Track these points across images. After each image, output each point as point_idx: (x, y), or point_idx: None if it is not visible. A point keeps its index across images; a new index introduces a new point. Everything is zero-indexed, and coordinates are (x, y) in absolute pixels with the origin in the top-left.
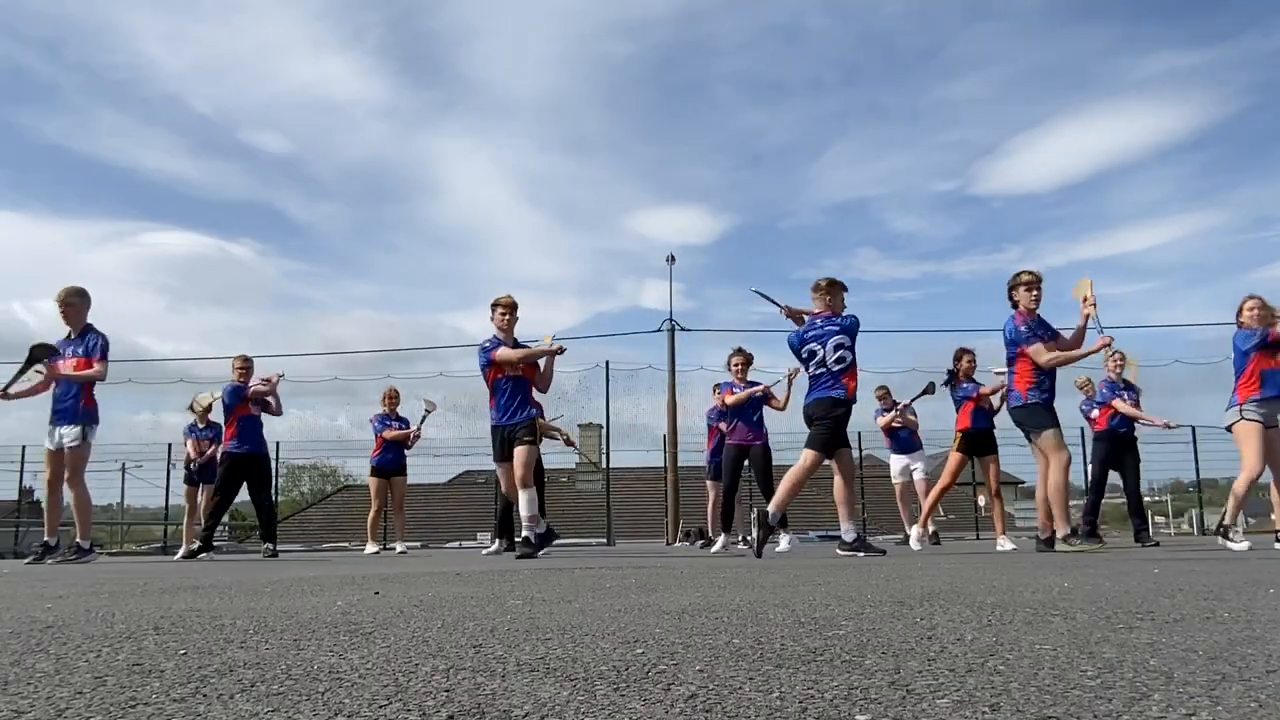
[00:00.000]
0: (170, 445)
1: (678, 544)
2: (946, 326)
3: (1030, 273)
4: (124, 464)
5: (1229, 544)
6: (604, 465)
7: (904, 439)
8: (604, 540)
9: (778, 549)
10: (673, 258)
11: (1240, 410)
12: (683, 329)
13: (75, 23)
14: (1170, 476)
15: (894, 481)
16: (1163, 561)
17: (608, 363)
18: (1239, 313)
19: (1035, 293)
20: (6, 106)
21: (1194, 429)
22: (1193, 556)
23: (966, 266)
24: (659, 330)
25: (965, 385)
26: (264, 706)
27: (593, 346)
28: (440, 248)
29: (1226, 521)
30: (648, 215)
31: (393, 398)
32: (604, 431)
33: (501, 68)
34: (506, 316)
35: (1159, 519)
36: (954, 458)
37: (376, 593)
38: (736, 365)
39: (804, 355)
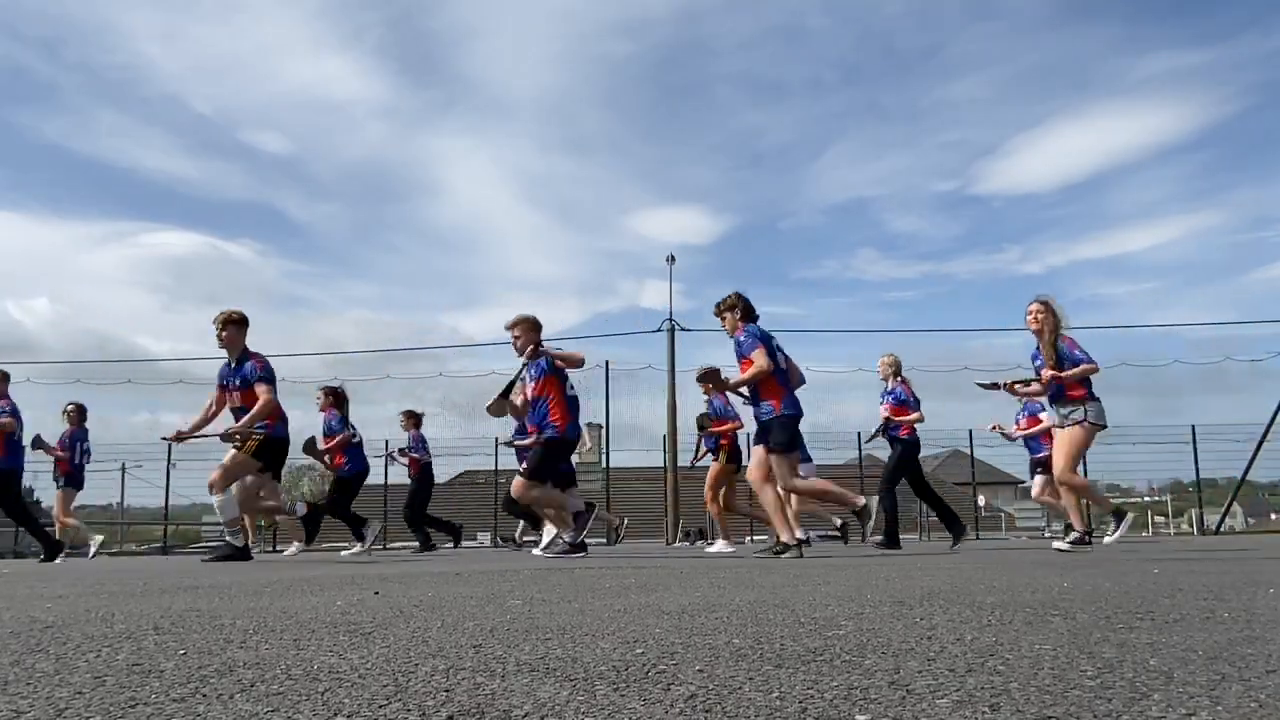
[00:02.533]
0: (170, 445)
1: (678, 544)
2: (946, 327)
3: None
4: (124, 464)
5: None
6: (604, 465)
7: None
8: (604, 540)
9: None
10: (673, 258)
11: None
12: (683, 329)
13: (74, 22)
14: (1170, 476)
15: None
16: (1163, 561)
17: (607, 363)
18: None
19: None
20: (6, 106)
21: (1194, 428)
22: (1193, 556)
23: (967, 267)
24: (659, 330)
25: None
26: (264, 706)
27: (593, 347)
28: (440, 248)
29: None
30: (648, 215)
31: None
32: (604, 431)
33: (501, 67)
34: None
35: (1159, 519)
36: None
37: (376, 593)
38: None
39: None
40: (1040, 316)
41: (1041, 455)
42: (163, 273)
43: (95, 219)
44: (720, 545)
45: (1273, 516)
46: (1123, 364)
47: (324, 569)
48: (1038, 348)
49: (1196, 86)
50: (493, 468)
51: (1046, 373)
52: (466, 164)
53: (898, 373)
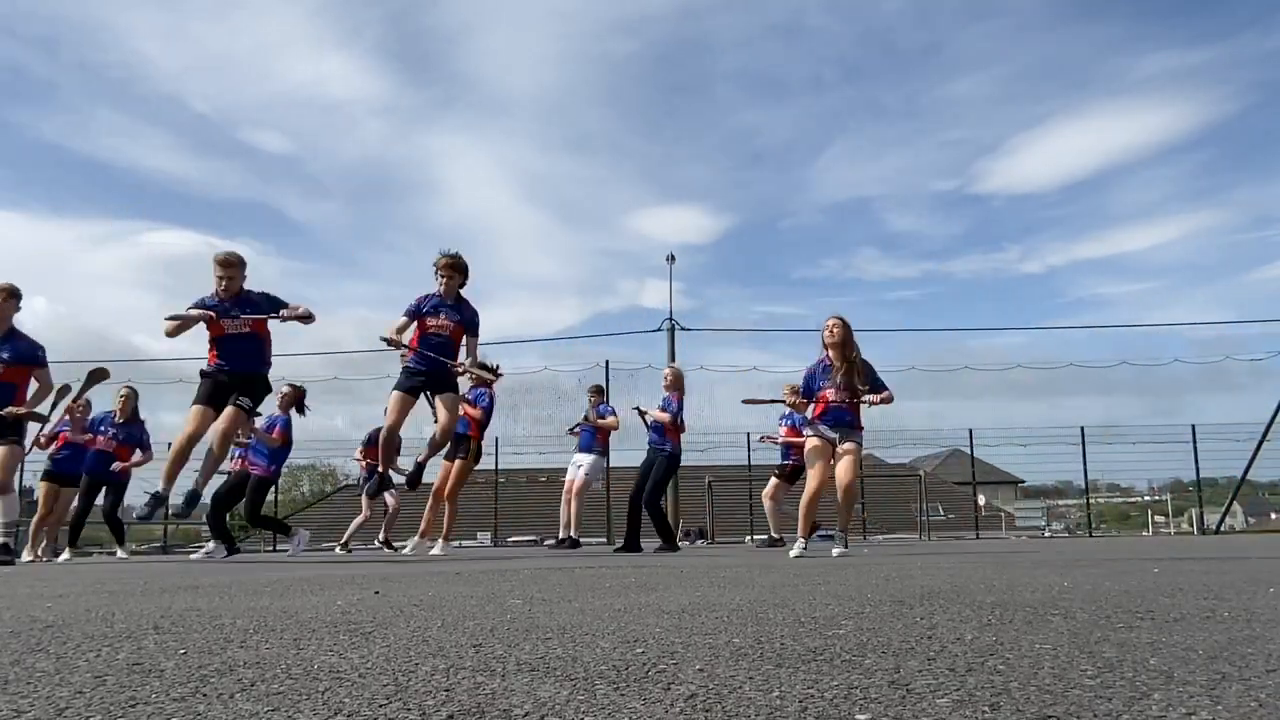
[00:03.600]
0: (169, 444)
1: (677, 543)
2: (946, 326)
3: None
4: None
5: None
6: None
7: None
8: (604, 540)
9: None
10: (673, 257)
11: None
12: (683, 329)
13: (72, 21)
14: (1170, 476)
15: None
16: (1163, 561)
17: (608, 362)
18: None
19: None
20: (4, 106)
21: (1194, 428)
22: (1193, 556)
23: (967, 266)
24: (659, 330)
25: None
26: (264, 706)
27: (593, 346)
28: (440, 247)
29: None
30: (648, 215)
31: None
32: None
33: (501, 66)
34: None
35: (1159, 518)
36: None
37: (376, 592)
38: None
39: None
40: (837, 331)
41: (788, 464)
42: (162, 272)
43: (94, 218)
44: (441, 546)
45: (1273, 516)
46: (1123, 363)
47: (324, 569)
48: (821, 368)
49: (1196, 86)
50: (492, 467)
51: (837, 395)
52: (466, 162)
53: (677, 386)
